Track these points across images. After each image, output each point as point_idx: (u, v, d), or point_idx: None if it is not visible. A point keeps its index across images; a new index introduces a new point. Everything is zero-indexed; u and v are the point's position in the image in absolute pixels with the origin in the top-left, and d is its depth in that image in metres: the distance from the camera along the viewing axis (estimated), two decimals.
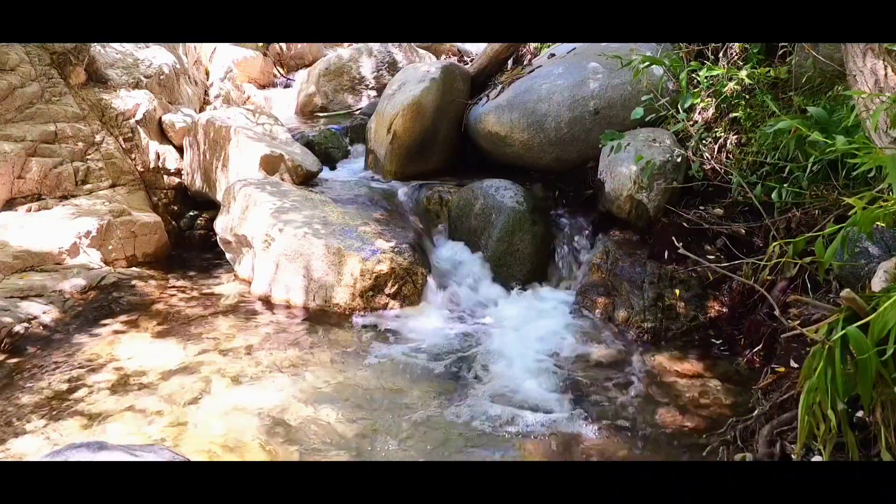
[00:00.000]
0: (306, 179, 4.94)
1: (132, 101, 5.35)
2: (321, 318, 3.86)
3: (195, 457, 2.50)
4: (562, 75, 4.76)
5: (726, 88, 3.95)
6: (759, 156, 3.66)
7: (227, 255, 4.65)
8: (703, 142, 4.08)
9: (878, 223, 1.92)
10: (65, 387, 3.05)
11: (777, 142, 3.39)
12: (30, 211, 4.48)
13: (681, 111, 4.14)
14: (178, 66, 6.06)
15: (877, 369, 1.73)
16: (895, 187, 1.88)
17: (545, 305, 4.03)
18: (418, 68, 5.43)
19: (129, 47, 5.63)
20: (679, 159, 4.03)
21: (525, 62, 5.75)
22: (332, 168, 5.62)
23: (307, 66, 8.05)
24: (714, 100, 4.11)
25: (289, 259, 4.03)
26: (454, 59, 7.91)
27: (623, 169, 4.11)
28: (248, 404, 2.94)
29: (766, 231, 3.48)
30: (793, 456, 2.24)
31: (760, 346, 3.17)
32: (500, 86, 5.22)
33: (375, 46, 7.27)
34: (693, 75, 4.11)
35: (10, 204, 4.46)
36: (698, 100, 4.16)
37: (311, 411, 2.90)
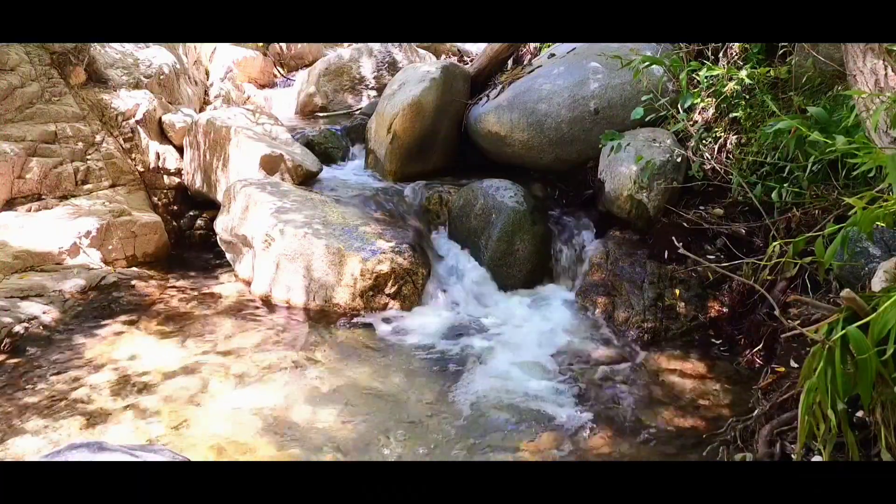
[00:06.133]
0: (306, 179, 4.94)
1: (132, 101, 5.35)
2: (321, 318, 3.85)
3: (195, 457, 2.50)
4: (562, 75, 4.75)
5: (726, 88, 3.95)
6: (759, 156, 3.66)
7: (227, 255, 4.65)
8: (703, 142, 4.08)
9: (878, 223, 1.92)
10: (65, 387, 3.05)
11: (777, 142, 3.39)
12: (30, 211, 4.48)
13: (681, 111, 4.14)
14: (178, 66, 6.06)
15: (877, 369, 1.73)
16: (895, 187, 1.88)
17: (545, 305, 4.03)
18: (418, 68, 5.42)
19: (129, 47, 5.63)
20: (679, 159, 4.03)
21: (525, 62, 5.75)
22: (333, 168, 5.62)
23: (307, 66, 8.03)
24: (714, 100, 4.11)
25: (289, 259, 4.03)
26: (454, 59, 7.90)
27: (623, 169, 4.11)
28: (249, 404, 2.94)
29: (766, 231, 3.48)
30: (793, 456, 2.24)
31: (760, 346, 3.17)
32: (500, 86, 5.22)
33: (375, 46, 7.27)
34: (693, 75, 4.11)
35: (10, 204, 4.46)
36: (698, 100, 4.16)
37: (311, 411, 2.90)
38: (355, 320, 3.81)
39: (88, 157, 4.93)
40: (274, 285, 4.08)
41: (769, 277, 3.18)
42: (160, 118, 5.52)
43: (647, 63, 3.67)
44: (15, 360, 3.26)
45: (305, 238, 4.01)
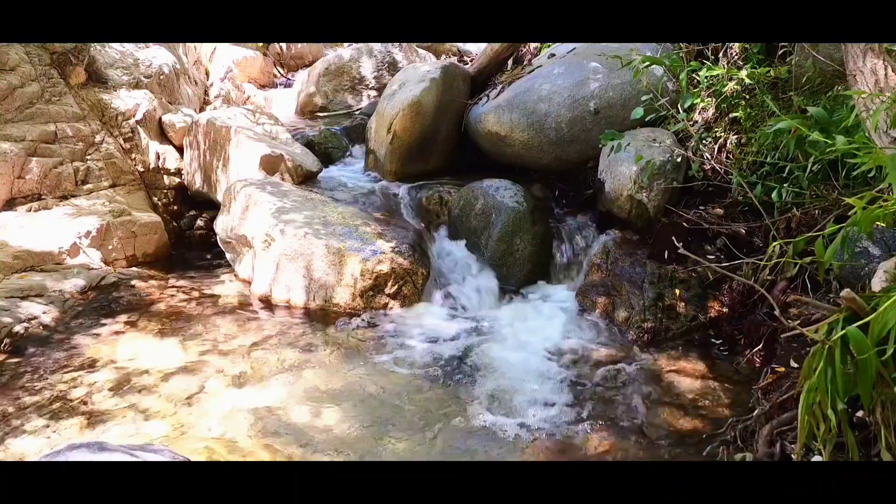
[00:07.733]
0: (306, 179, 4.94)
1: (132, 101, 5.35)
2: (321, 318, 3.85)
3: (195, 457, 2.50)
4: (562, 75, 4.75)
5: (726, 88, 3.95)
6: (759, 156, 3.66)
7: (227, 256, 4.65)
8: (703, 142, 4.08)
9: (878, 223, 1.92)
10: (65, 387, 3.04)
11: (777, 142, 3.39)
12: (30, 211, 4.48)
13: (681, 111, 4.14)
14: (178, 66, 6.06)
15: (877, 369, 1.73)
16: (895, 187, 1.88)
17: (545, 305, 4.03)
18: (418, 68, 5.42)
19: (129, 47, 5.63)
20: (679, 159, 4.03)
21: (525, 62, 5.75)
22: (333, 168, 5.62)
23: (307, 66, 8.04)
24: (714, 100, 4.11)
25: (289, 259, 4.03)
26: (454, 59, 7.90)
27: (623, 169, 4.11)
28: (248, 404, 2.94)
29: (766, 231, 3.48)
30: (793, 456, 2.25)
31: (760, 346, 3.17)
32: (500, 86, 5.22)
33: (376, 46, 7.27)
34: (693, 75, 4.11)
35: (10, 204, 4.46)
36: (698, 100, 4.16)
37: (311, 411, 2.90)
38: (355, 320, 3.80)
39: (88, 157, 4.93)
40: (274, 285, 4.08)
41: (769, 277, 3.19)
42: (160, 118, 5.52)
43: (647, 63, 3.67)
44: (15, 360, 3.26)
45: (305, 238, 4.01)
